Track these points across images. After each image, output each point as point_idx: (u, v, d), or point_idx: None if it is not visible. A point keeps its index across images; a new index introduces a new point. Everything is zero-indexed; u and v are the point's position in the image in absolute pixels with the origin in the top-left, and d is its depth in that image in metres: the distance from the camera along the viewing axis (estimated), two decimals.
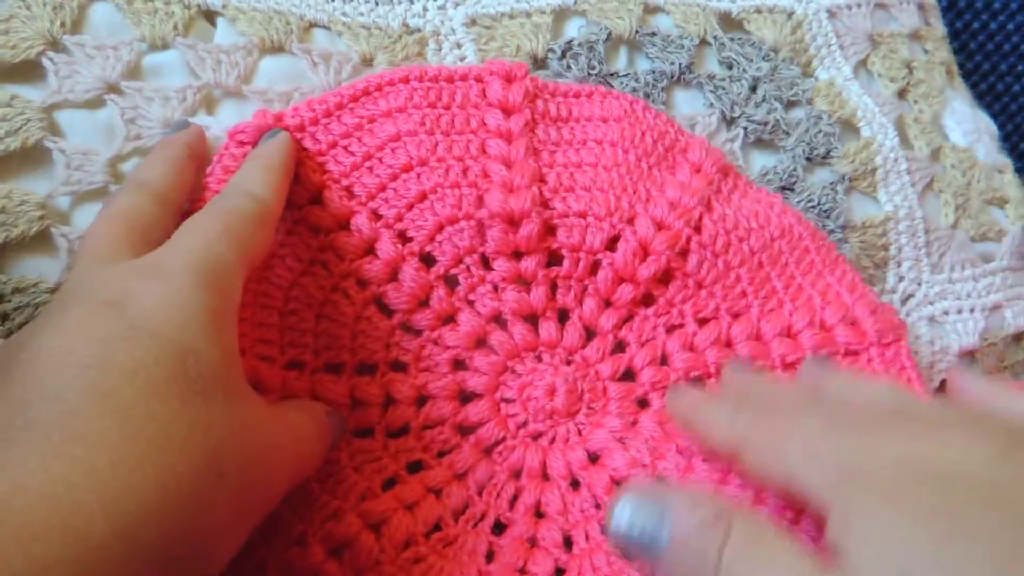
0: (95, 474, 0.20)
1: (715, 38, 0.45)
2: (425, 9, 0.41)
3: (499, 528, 0.34)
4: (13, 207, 0.32)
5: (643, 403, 0.37)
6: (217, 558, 0.24)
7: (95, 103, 0.34)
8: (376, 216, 0.34)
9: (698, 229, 0.37)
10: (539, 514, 0.34)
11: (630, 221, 0.37)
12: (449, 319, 0.35)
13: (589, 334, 0.37)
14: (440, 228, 0.35)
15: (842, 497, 0.23)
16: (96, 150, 0.33)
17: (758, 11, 0.47)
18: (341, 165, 0.35)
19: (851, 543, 0.22)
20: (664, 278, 0.37)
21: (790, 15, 0.48)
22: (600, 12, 0.43)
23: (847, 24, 0.50)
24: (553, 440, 0.35)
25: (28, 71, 0.33)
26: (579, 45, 0.42)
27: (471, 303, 0.35)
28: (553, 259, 0.36)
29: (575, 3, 0.44)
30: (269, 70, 0.37)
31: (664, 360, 0.37)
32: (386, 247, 0.34)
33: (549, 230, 0.36)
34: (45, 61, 0.33)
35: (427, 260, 0.35)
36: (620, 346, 0.37)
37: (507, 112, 0.37)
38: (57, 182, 0.33)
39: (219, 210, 0.29)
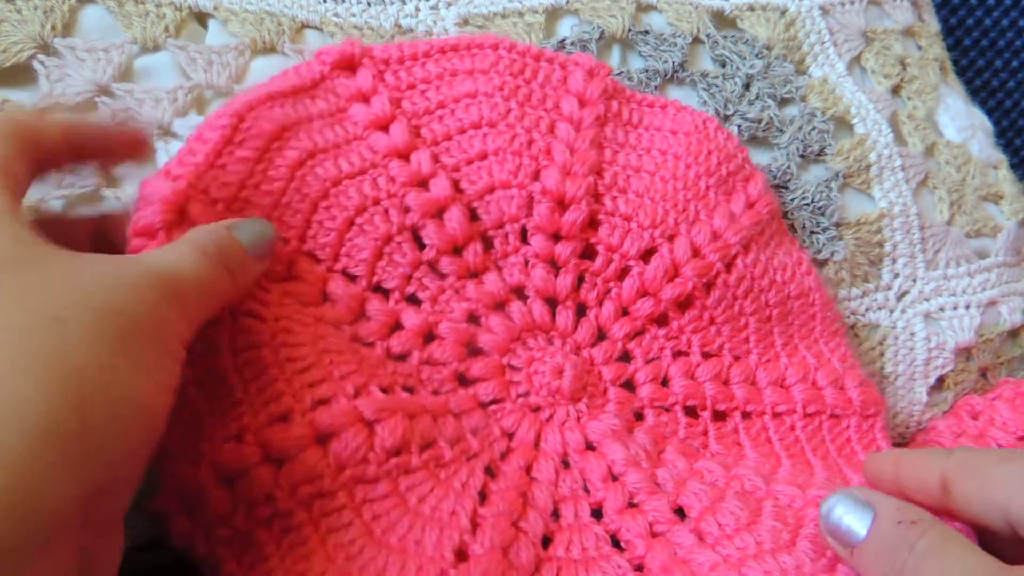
0: None
1: (708, 36, 0.45)
2: (417, 9, 0.41)
3: (489, 474, 0.32)
4: None
5: (639, 416, 0.37)
6: (135, 389, 0.22)
7: (86, 106, 0.34)
8: (436, 159, 0.35)
9: (729, 267, 0.38)
10: (531, 476, 0.33)
11: (670, 238, 0.37)
12: (475, 275, 0.35)
13: (600, 335, 0.37)
14: (492, 189, 0.35)
15: None
16: None
17: (751, 8, 0.47)
18: (415, 105, 0.35)
19: None
20: (684, 303, 0.37)
21: (783, 12, 0.48)
22: (592, 11, 0.43)
23: (840, 21, 0.50)
24: (551, 418, 0.35)
25: (19, 75, 0.33)
26: (572, 44, 0.42)
27: (500, 269, 0.35)
28: (587, 253, 0.37)
29: (567, 2, 0.43)
30: (261, 70, 0.37)
31: (665, 382, 0.37)
32: (441, 185, 0.34)
33: (593, 223, 0.36)
34: (36, 65, 0.33)
35: (471, 214, 0.35)
36: (626, 356, 0.37)
37: (582, 103, 0.38)
38: (50, 185, 0.33)
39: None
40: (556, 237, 0.36)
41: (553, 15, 0.43)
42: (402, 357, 0.33)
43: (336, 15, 0.40)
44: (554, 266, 0.36)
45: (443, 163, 0.35)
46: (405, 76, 0.36)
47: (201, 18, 0.37)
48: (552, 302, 0.36)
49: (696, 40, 0.45)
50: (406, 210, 0.34)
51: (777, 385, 0.39)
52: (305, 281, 0.32)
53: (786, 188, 0.44)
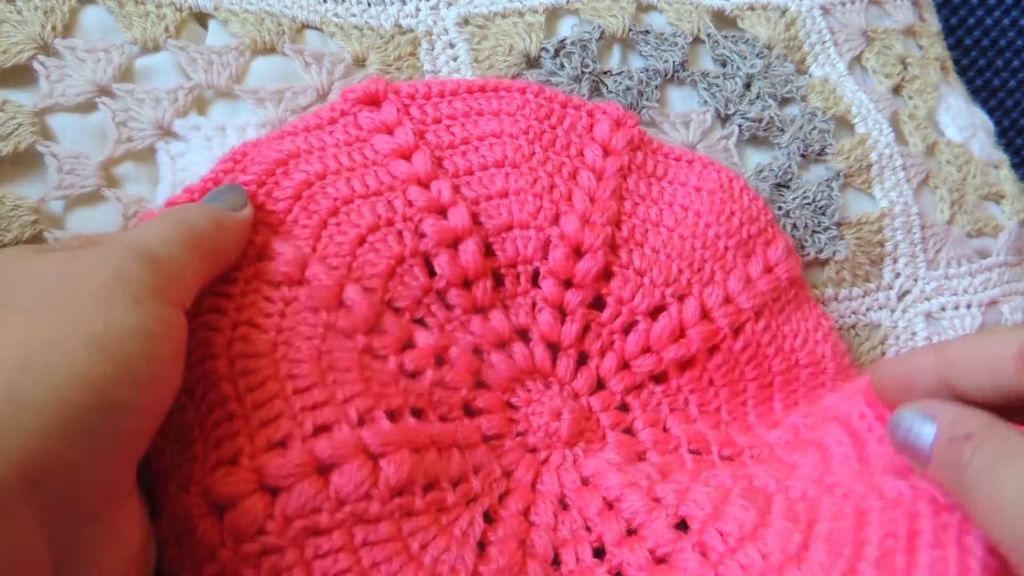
0: None
1: (708, 36, 0.45)
2: (418, 9, 0.41)
3: (488, 520, 0.31)
4: (6, 212, 0.32)
5: (641, 458, 0.35)
6: (89, 368, 0.22)
7: (87, 106, 0.34)
8: (457, 190, 0.34)
9: (737, 333, 0.37)
10: (529, 521, 0.32)
11: (681, 297, 0.36)
12: (482, 311, 0.34)
13: (599, 384, 0.36)
14: (510, 227, 0.35)
15: None
16: (88, 154, 0.33)
17: (751, 8, 0.47)
18: (440, 139, 0.35)
19: None
20: (685, 364, 0.37)
21: (783, 12, 0.48)
22: (593, 10, 0.43)
23: (841, 20, 0.50)
24: (547, 460, 0.34)
25: (19, 75, 0.33)
26: (572, 44, 0.42)
27: (507, 307, 0.35)
28: (596, 302, 0.36)
29: (568, 2, 0.43)
30: (261, 70, 0.37)
31: (665, 429, 0.37)
32: (460, 215, 0.33)
33: (606, 274, 0.36)
34: (36, 65, 0.33)
35: (486, 250, 0.35)
36: (623, 407, 0.37)
37: (606, 152, 0.38)
38: (50, 186, 0.33)
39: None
40: (567, 284, 0.35)
41: (553, 15, 0.43)
42: (415, 375, 0.32)
43: (336, 15, 0.40)
44: (561, 312, 0.36)
45: (463, 195, 0.34)
46: (431, 111, 0.36)
47: (201, 18, 0.37)
48: (555, 347, 0.36)
49: (697, 40, 0.45)
50: (421, 235, 0.33)
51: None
52: (320, 285, 0.30)
53: (787, 188, 0.44)
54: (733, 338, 0.37)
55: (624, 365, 0.36)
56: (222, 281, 0.30)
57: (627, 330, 0.36)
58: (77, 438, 0.21)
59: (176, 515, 0.26)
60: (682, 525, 0.31)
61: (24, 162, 0.33)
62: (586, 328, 0.36)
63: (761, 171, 0.44)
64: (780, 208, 0.43)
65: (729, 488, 0.32)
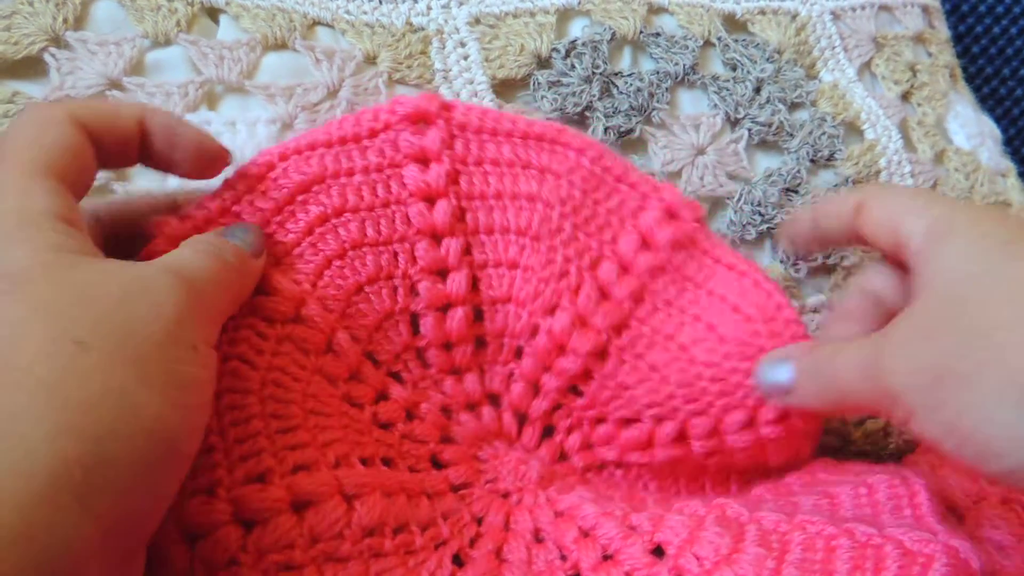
0: None
1: (719, 39, 0.45)
2: (429, 8, 0.41)
3: (458, 562, 0.31)
4: None
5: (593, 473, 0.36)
6: (156, 437, 0.22)
7: (97, 99, 0.34)
8: (467, 248, 0.33)
9: (710, 456, 0.35)
10: (501, 559, 0.31)
11: (660, 419, 0.34)
12: (457, 372, 0.34)
13: (561, 456, 0.35)
14: (507, 300, 0.34)
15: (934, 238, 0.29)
16: None
17: (762, 12, 0.47)
18: (472, 187, 0.34)
19: (933, 265, 0.28)
20: (583, 375, 0.35)
21: (794, 17, 0.48)
22: (604, 12, 0.43)
23: (851, 26, 0.50)
24: (519, 502, 0.33)
25: (30, 67, 0.33)
26: (583, 45, 0.42)
27: (483, 371, 0.34)
28: (574, 387, 0.35)
29: (579, 3, 0.43)
30: (272, 66, 0.37)
31: (590, 446, 0.36)
32: (457, 281, 0.33)
33: (586, 374, 0.34)
34: (47, 57, 0.33)
35: (477, 314, 0.34)
36: (548, 430, 0.35)
37: (644, 245, 0.35)
38: None
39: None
40: (547, 368, 0.34)
41: (565, 16, 0.43)
42: (387, 426, 0.32)
43: (348, 12, 0.39)
44: (535, 388, 0.35)
45: (472, 256, 0.33)
46: (475, 150, 0.34)
47: (213, 13, 0.37)
48: (522, 417, 0.35)
49: (707, 43, 0.45)
50: (415, 294, 0.33)
51: (710, 435, 0.35)
52: (313, 327, 0.30)
53: (796, 192, 0.44)
54: (705, 458, 0.35)
55: (588, 446, 0.35)
56: None
57: (598, 422, 0.35)
58: (152, 491, 0.22)
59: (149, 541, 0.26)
60: (658, 551, 0.30)
61: None
62: (557, 406, 0.35)
63: (770, 175, 0.43)
64: (789, 213, 0.43)
65: (703, 516, 0.31)
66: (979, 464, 0.26)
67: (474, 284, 0.33)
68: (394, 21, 0.40)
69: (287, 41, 0.37)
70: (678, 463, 0.35)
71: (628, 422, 0.35)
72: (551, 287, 0.34)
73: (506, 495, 0.33)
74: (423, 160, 0.33)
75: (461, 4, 0.42)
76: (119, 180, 0.33)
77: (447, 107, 0.33)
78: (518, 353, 0.34)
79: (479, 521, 0.32)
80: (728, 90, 0.44)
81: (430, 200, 0.33)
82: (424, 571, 0.29)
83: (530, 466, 0.34)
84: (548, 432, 0.35)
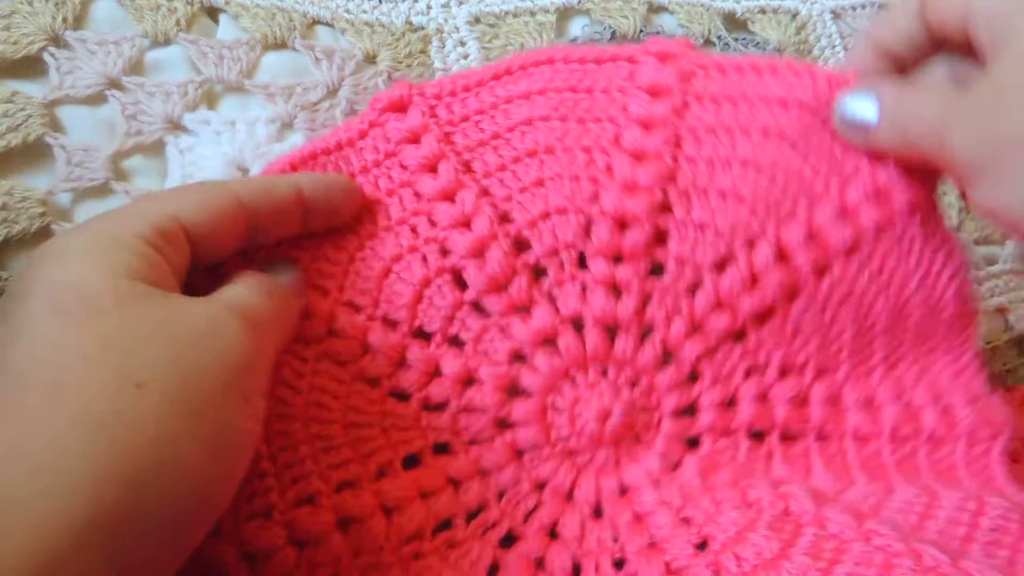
0: (5, 444, 0.20)
1: (719, 38, 0.45)
2: (429, 7, 0.41)
3: (508, 541, 0.31)
4: (14, 204, 0.31)
5: (694, 443, 0.34)
6: (201, 481, 0.22)
7: (96, 99, 0.34)
8: (484, 192, 0.33)
9: (822, 272, 0.32)
10: (552, 534, 0.32)
11: (751, 243, 0.32)
12: (523, 310, 0.33)
13: (667, 357, 0.33)
14: (546, 216, 0.33)
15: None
16: (97, 146, 0.33)
17: (762, 11, 0.47)
18: (468, 139, 0.33)
19: (1006, 52, 0.26)
20: (764, 317, 0.33)
21: (794, 15, 0.48)
22: (604, 11, 0.43)
23: (851, 25, 0.50)
24: (589, 463, 0.33)
25: (29, 67, 0.33)
26: (583, 44, 0.42)
27: (552, 299, 0.33)
28: (656, 268, 0.33)
29: (579, 2, 0.43)
30: (271, 65, 0.37)
31: (732, 403, 0.34)
32: (482, 222, 0.32)
33: (660, 237, 0.33)
34: (46, 57, 0.33)
35: (521, 245, 0.33)
36: (693, 376, 0.34)
37: (654, 94, 0.33)
38: (58, 178, 0.33)
39: (176, 190, 0.28)
40: (618, 260, 0.33)
41: (565, 15, 0.43)
42: (440, 406, 0.32)
43: (347, 11, 0.39)
44: (616, 290, 0.33)
45: (492, 195, 0.33)
46: (458, 109, 0.34)
47: (212, 12, 0.37)
48: (612, 330, 0.33)
49: (707, 42, 0.45)
50: (445, 253, 0.32)
51: (864, 406, 0.34)
52: (345, 336, 0.31)
53: None
54: (816, 280, 0.32)
55: (695, 328, 0.33)
56: None
57: (693, 290, 0.33)
58: (176, 543, 0.22)
59: (205, 563, 0.27)
60: (703, 545, 0.30)
61: (33, 154, 0.33)
62: (647, 300, 0.33)
63: None
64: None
65: (762, 511, 0.31)
66: None
67: (505, 219, 0.33)
68: (394, 20, 0.40)
69: (287, 40, 0.37)
70: (799, 321, 0.33)
71: (723, 265, 0.32)
72: (583, 180, 0.33)
73: (574, 454, 0.33)
74: (414, 139, 0.33)
75: (461, 3, 0.42)
76: (119, 180, 0.33)
77: (419, 89, 0.34)
78: (582, 262, 0.33)
79: (541, 486, 0.32)
80: None
81: (432, 168, 0.33)
82: (466, 561, 0.30)
83: (608, 423, 0.32)
84: (646, 336, 0.33)
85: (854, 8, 0.51)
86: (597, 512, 0.32)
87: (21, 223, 0.31)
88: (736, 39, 0.46)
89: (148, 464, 0.20)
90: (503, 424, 0.32)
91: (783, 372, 0.33)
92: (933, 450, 0.34)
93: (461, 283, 0.32)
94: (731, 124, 0.33)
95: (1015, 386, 0.47)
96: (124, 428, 0.20)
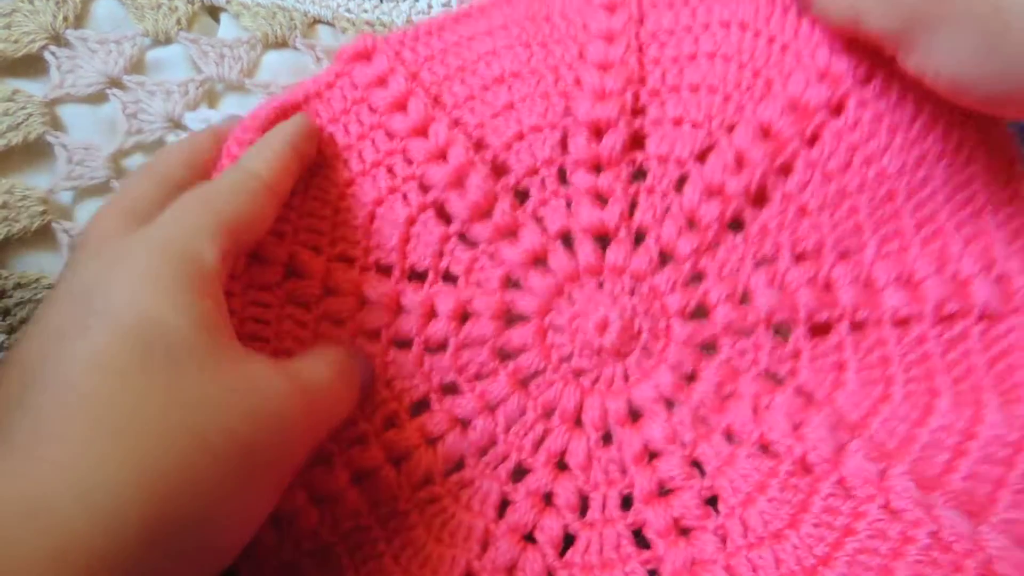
0: (65, 471, 0.19)
1: None
2: (430, 6, 0.41)
3: (518, 475, 0.31)
4: (15, 202, 0.32)
5: (710, 349, 0.31)
6: (229, 539, 0.23)
7: (97, 97, 0.34)
8: (456, 123, 0.33)
9: (812, 141, 0.31)
10: (561, 465, 0.31)
11: (730, 128, 0.32)
12: (510, 234, 0.32)
13: (664, 259, 0.32)
14: (521, 136, 0.33)
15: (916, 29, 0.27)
16: (98, 145, 0.33)
17: None
18: (434, 75, 0.34)
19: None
20: (760, 198, 0.31)
21: None
22: None
23: None
24: (596, 381, 0.32)
25: (30, 65, 0.33)
26: None
27: (539, 219, 0.33)
28: (640, 174, 0.33)
29: None
30: (272, 64, 0.37)
31: (745, 298, 0.31)
32: (457, 152, 0.32)
33: (637, 141, 0.32)
34: (47, 55, 0.33)
35: (499, 170, 0.33)
36: (697, 277, 0.32)
37: (611, 8, 0.33)
38: (59, 177, 0.33)
39: (213, 190, 0.28)
40: (598, 168, 0.32)
41: None
42: (441, 347, 0.32)
43: (348, 11, 0.39)
44: (601, 199, 0.32)
45: (464, 123, 0.33)
46: (423, 50, 0.34)
47: (213, 12, 0.37)
48: (603, 238, 0.32)
49: None
50: (426, 188, 0.32)
51: (902, 282, 0.30)
52: (341, 293, 0.31)
53: None
54: (808, 147, 0.31)
55: (689, 224, 0.32)
56: (257, 305, 0.31)
57: (679, 185, 0.32)
58: None
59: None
60: (712, 501, 0.30)
61: (34, 152, 0.33)
62: (634, 205, 0.32)
63: None
64: None
65: (778, 459, 0.29)
66: (955, 98, 0.27)
67: (480, 145, 0.33)
68: (395, 19, 0.40)
69: (287, 39, 0.37)
70: (801, 195, 0.31)
71: (705, 155, 0.32)
72: (553, 96, 0.33)
73: (580, 374, 0.32)
74: (381, 83, 0.33)
75: (461, 3, 0.41)
76: (119, 178, 0.33)
77: (383, 38, 0.34)
78: (562, 178, 0.33)
79: (549, 414, 0.32)
80: None
81: (402, 107, 0.33)
82: (476, 501, 0.31)
83: (607, 333, 0.31)
84: (640, 242, 0.33)
85: None
86: (606, 438, 0.31)
87: (22, 222, 0.32)
88: None
89: (180, 537, 0.21)
90: (504, 355, 0.32)
91: (798, 258, 0.31)
92: (988, 328, 0.30)
93: (445, 216, 0.32)
94: (689, 23, 0.33)
95: None
96: (176, 493, 0.21)
